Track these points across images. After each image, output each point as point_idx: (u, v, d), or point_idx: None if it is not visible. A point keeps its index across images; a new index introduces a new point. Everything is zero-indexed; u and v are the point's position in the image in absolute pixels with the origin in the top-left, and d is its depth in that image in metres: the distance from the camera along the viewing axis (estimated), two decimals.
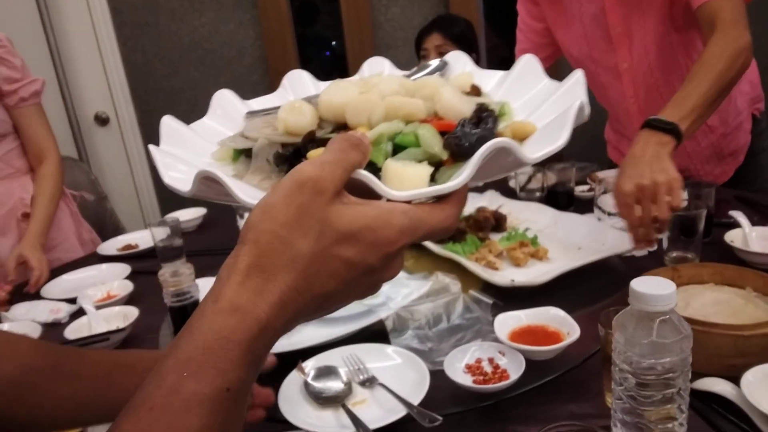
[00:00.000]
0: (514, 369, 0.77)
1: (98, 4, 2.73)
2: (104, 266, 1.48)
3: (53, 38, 2.64)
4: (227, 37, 2.83)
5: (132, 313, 1.14)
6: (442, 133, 0.42)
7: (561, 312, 0.86)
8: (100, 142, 2.91)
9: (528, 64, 0.54)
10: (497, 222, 1.27)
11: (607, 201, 1.29)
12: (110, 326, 1.11)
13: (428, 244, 1.18)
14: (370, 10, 2.73)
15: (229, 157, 0.49)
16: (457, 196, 0.40)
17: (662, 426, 0.61)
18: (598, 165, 1.74)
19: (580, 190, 1.54)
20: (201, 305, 0.35)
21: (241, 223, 1.49)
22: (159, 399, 0.32)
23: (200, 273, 0.99)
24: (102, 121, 2.87)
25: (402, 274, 0.82)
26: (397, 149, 0.42)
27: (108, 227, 1.99)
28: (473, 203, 1.36)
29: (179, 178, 0.44)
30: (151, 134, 2.97)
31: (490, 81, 0.55)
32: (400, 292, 0.95)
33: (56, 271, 1.48)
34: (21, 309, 1.26)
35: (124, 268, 1.42)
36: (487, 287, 1.01)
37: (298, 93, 0.59)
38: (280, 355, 0.76)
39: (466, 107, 0.44)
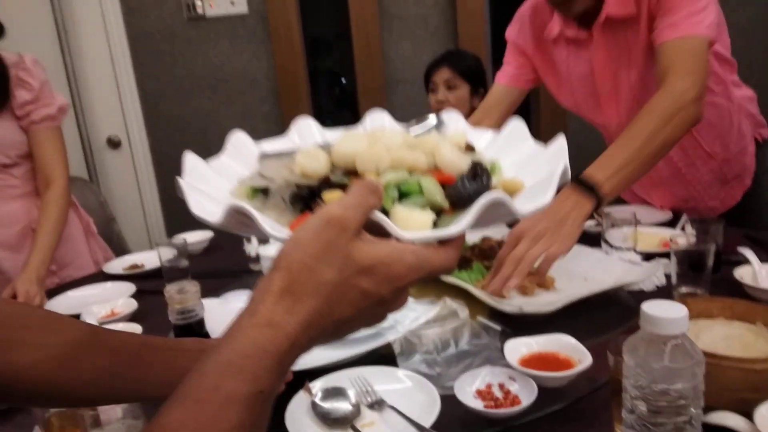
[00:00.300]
0: (526, 395, 0.76)
1: (116, 32, 2.80)
2: (109, 284, 1.48)
3: (71, 62, 2.71)
4: (240, 68, 2.89)
5: (135, 330, 1.13)
6: (442, 185, 0.49)
7: (572, 339, 0.85)
8: (110, 165, 2.94)
9: (516, 127, 0.61)
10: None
11: (614, 235, 1.30)
12: None
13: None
14: (381, 45, 2.79)
15: (245, 194, 0.54)
16: (457, 241, 0.46)
17: None
18: None
19: (588, 225, 1.54)
20: (238, 319, 0.40)
21: (247, 247, 1.50)
22: (203, 393, 0.37)
23: (205, 294, 0.99)
24: (114, 144, 2.91)
25: (409, 299, 0.86)
26: (402, 196, 0.48)
27: (115, 249, 2.00)
28: (478, 233, 1.36)
29: (206, 209, 0.48)
30: (161, 159, 3.01)
31: (482, 139, 0.61)
32: (408, 316, 0.94)
33: (62, 288, 1.48)
34: None
35: (129, 287, 1.42)
36: (494, 315, 1.01)
37: (305, 138, 0.64)
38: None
39: (462, 163, 0.50)
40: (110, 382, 0.63)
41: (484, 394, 0.78)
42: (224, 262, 1.57)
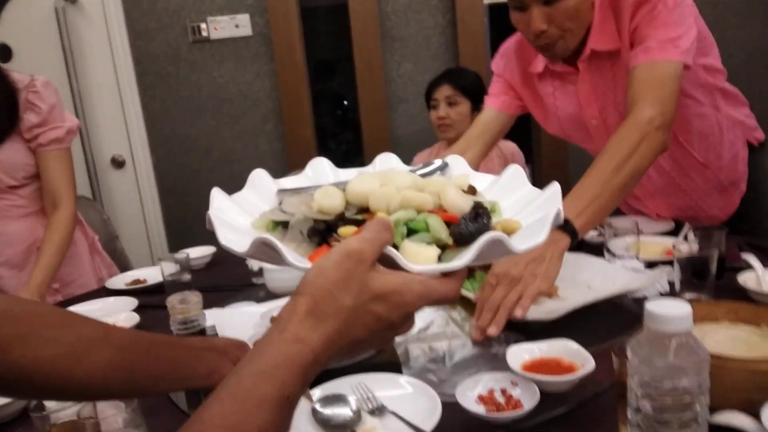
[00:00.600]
0: (528, 399, 0.75)
1: (122, 55, 2.85)
2: (112, 299, 1.48)
3: (76, 84, 2.75)
4: (244, 88, 2.92)
5: None
6: (447, 223, 0.54)
7: (575, 344, 0.84)
8: (114, 184, 2.96)
9: (515, 172, 0.67)
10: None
11: (617, 245, 1.30)
12: None
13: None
14: (383, 66, 2.83)
15: (266, 226, 0.59)
16: (460, 273, 0.51)
17: None
18: None
19: (590, 235, 1.54)
20: (268, 335, 0.46)
21: (250, 262, 1.49)
22: (240, 394, 0.44)
23: (207, 307, 0.99)
24: (118, 164, 2.93)
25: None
26: (410, 232, 0.54)
27: (118, 266, 2.00)
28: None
29: (233, 240, 0.53)
30: (165, 177, 3.03)
31: (483, 182, 0.67)
32: (416, 325, 0.94)
33: (64, 303, 1.48)
34: None
35: (131, 302, 1.42)
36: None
37: (318, 176, 0.70)
38: None
39: (465, 204, 0.56)
40: (122, 376, 0.66)
41: (486, 400, 0.77)
42: (227, 276, 1.57)
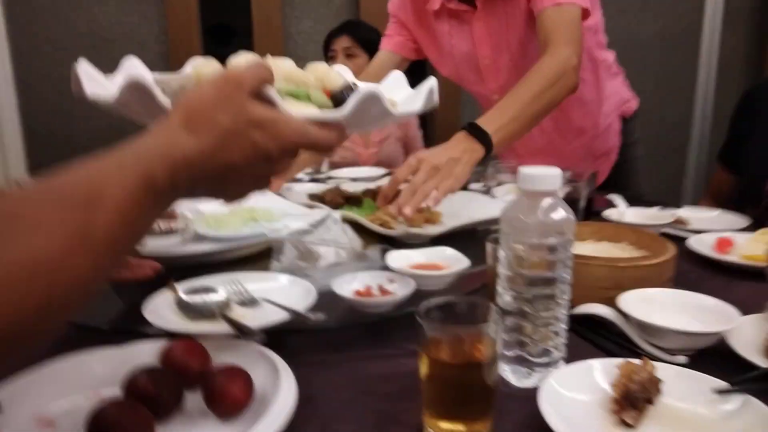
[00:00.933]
0: (403, 292, 0.75)
1: None
2: None
3: None
4: (128, 30, 2.71)
5: None
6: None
7: (453, 251, 0.85)
8: None
9: (396, 77, 0.75)
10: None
11: (499, 192, 1.36)
12: None
13: (325, 208, 1.15)
14: (282, 22, 2.74)
15: None
16: (339, 128, 0.53)
17: (543, 345, 0.61)
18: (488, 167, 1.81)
19: (476, 186, 1.59)
20: (136, 142, 0.44)
21: None
22: (103, 161, 0.42)
23: None
24: None
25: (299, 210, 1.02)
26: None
27: None
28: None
29: (100, 90, 0.53)
30: (32, 121, 2.73)
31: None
32: (297, 224, 0.92)
33: None
34: None
35: None
36: (382, 241, 1.00)
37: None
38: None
39: (343, 82, 0.63)
40: None
41: (362, 294, 0.76)
42: None
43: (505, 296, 0.61)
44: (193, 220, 0.95)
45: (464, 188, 1.50)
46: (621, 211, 1.18)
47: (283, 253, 0.84)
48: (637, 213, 1.17)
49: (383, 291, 0.77)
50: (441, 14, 1.42)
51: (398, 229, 1.01)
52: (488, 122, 1.07)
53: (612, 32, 1.57)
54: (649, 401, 0.54)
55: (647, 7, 3.14)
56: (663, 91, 3.25)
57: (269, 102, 0.49)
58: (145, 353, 0.60)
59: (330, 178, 1.69)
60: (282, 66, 0.62)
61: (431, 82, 0.64)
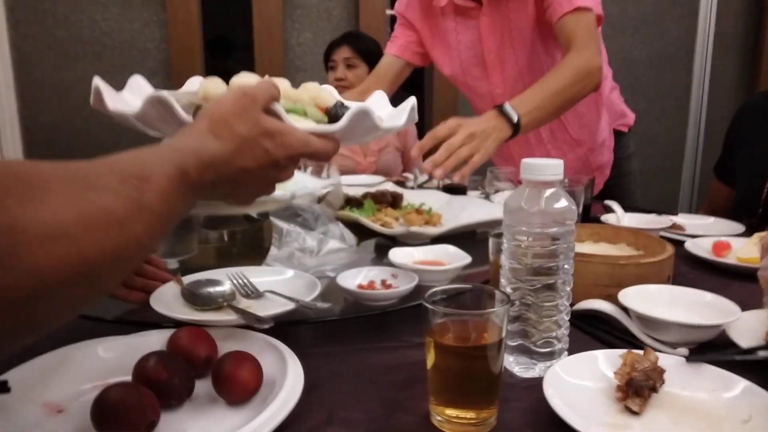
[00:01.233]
0: (406, 286, 0.75)
1: None
2: None
3: None
4: (130, 37, 2.72)
5: None
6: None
7: (455, 248, 0.86)
8: None
9: (378, 96, 0.79)
10: (393, 200, 1.28)
11: (498, 198, 1.37)
12: None
13: (326, 208, 1.16)
14: (282, 33, 2.77)
15: None
16: (335, 140, 0.60)
17: (546, 335, 0.62)
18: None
19: (476, 194, 1.60)
20: (165, 145, 0.48)
21: None
22: (135, 154, 0.45)
23: None
24: None
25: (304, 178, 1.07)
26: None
27: None
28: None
29: (121, 104, 0.57)
30: (31, 125, 2.74)
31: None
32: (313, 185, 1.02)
33: None
34: None
35: None
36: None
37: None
38: None
39: (333, 101, 0.68)
40: None
41: (365, 288, 0.77)
42: None
43: (508, 288, 0.62)
44: None
45: (463, 193, 1.53)
46: (619, 216, 1.19)
47: (282, 234, 0.85)
48: (635, 218, 1.19)
49: (386, 286, 0.78)
50: (447, 10, 1.45)
51: (399, 229, 1.01)
52: (520, 104, 1.10)
53: (607, 53, 1.60)
54: (653, 389, 0.55)
55: (641, 30, 3.20)
56: (656, 110, 3.30)
57: (276, 116, 0.56)
58: (153, 342, 0.61)
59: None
60: (279, 85, 0.65)
61: (412, 101, 0.71)
